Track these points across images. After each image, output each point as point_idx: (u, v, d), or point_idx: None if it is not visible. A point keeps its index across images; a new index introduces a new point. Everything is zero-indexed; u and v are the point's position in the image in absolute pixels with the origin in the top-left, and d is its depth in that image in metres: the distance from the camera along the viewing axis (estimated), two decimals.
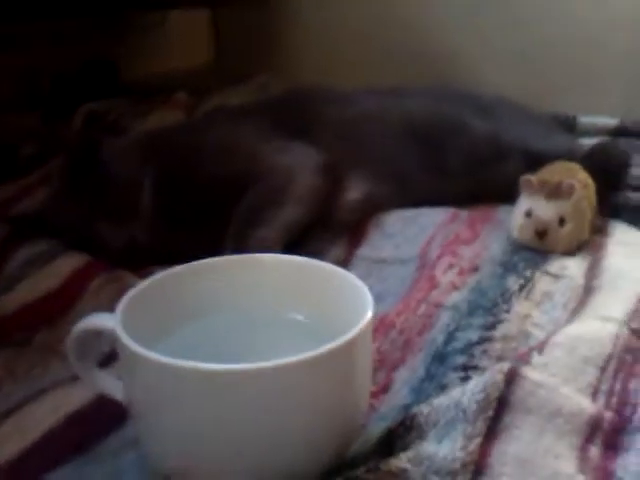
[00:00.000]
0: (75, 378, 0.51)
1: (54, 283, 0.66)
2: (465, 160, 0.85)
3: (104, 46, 1.31)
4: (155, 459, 0.44)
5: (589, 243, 0.74)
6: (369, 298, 0.45)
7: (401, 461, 0.41)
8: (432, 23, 1.30)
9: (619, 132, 1.07)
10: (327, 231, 0.75)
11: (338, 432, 0.42)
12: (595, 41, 1.22)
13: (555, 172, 0.79)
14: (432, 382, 0.53)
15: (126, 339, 0.40)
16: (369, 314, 0.43)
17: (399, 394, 0.52)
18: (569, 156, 0.84)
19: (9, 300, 0.64)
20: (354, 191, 0.78)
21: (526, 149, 0.86)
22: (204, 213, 0.74)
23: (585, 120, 1.08)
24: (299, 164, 0.76)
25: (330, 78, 1.06)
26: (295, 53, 1.46)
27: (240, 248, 0.65)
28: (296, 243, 0.70)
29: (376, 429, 0.46)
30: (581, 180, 0.78)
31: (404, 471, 0.40)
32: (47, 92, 1.23)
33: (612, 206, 0.82)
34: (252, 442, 0.40)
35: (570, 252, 0.72)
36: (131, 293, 0.46)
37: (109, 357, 0.53)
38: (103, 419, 0.48)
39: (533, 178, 0.75)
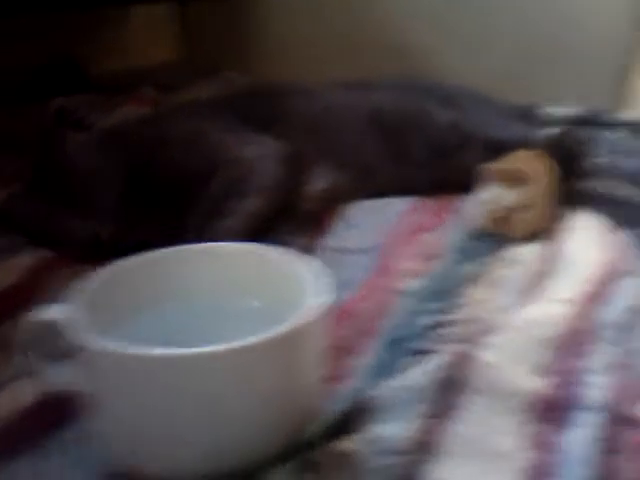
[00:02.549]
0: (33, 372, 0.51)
1: (15, 278, 0.65)
2: (429, 150, 0.86)
3: (69, 43, 1.30)
4: (108, 449, 0.44)
5: (548, 230, 0.75)
6: (325, 285, 0.45)
7: (352, 442, 0.42)
8: (398, 18, 1.31)
9: (580, 121, 1.08)
10: (292, 222, 0.76)
11: (289, 417, 0.43)
12: (559, 32, 1.24)
13: (515, 160, 0.80)
14: (388, 367, 0.54)
15: (74, 328, 0.40)
16: (318, 301, 0.44)
17: (356, 380, 0.53)
18: (529, 145, 0.85)
19: None
20: (319, 182, 0.79)
21: (487, 138, 0.88)
22: (169, 205, 0.74)
23: (547, 110, 1.09)
24: (263, 155, 0.76)
25: (301, 75, 1.06)
26: (266, 50, 1.46)
27: (203, 239, 0.65)
28: (261, 234, 0.71)
29: (331, 413, 0.47)
30: (540, 168, 0.80)
31: (355, 452, 0.41)
32: (8, 90, 1.22)
33: (572, 194, 0.83)
34: (203, 427, 0.40)
35: (529, 239, 0.73)
36: (84, 283, 0.46)
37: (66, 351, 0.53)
38: (56, 413, 0.48)
39: (493, 166, 0.76)
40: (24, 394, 0.50)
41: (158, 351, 0.39)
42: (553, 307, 0.56)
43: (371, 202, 0.80)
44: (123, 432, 0.42)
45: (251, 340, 0.39)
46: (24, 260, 0.68)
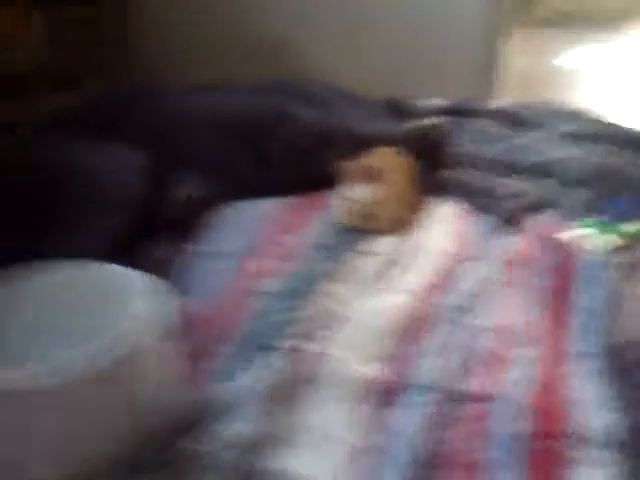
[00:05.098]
0: None
1: None
2: (291, 150, 0.87)
3: None
4: None
5: (410, 221, 0.79)
6: (163, 304, 0.47)
7: (194, 442, 0.44)
8: (272, 16, 1.32)
9: (450, 112, 1.13)
10: (156, 231, 0.76)
11: (137, 423, 0.45)
12: (431, 25, 1.29)
13: (374, 156, 0.84)
14: (237, 368, 0.55)
15: None
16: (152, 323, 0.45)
17: (205, 382, 0.54)
18: (392, 139, 0.88)
19: None
20: (180, 189, 0.79)
21: (351, 135, 0.90)
22: (21, 225, 0.72)
23: (419, 102, 1.14)
24: (119, 167, 0.76)
25: (178, 75, 1.05)
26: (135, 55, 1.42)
27: (60, 255, 0.64)
28: (121, 249, 0.71)
29: (179, 415, 0.48)
30: (399, 162, 0.83)
31: (199, 450, 0.43)
32: None
33: (435, 184, 0.87)
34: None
35: (392, 230, 0.76)
36: None
37: None
38: None
39: (352, 163, 0.79)
40: None
41: None
42: (396, 297, 0.60)
43: (236, 206, 0.81)
44: None
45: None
46: None
